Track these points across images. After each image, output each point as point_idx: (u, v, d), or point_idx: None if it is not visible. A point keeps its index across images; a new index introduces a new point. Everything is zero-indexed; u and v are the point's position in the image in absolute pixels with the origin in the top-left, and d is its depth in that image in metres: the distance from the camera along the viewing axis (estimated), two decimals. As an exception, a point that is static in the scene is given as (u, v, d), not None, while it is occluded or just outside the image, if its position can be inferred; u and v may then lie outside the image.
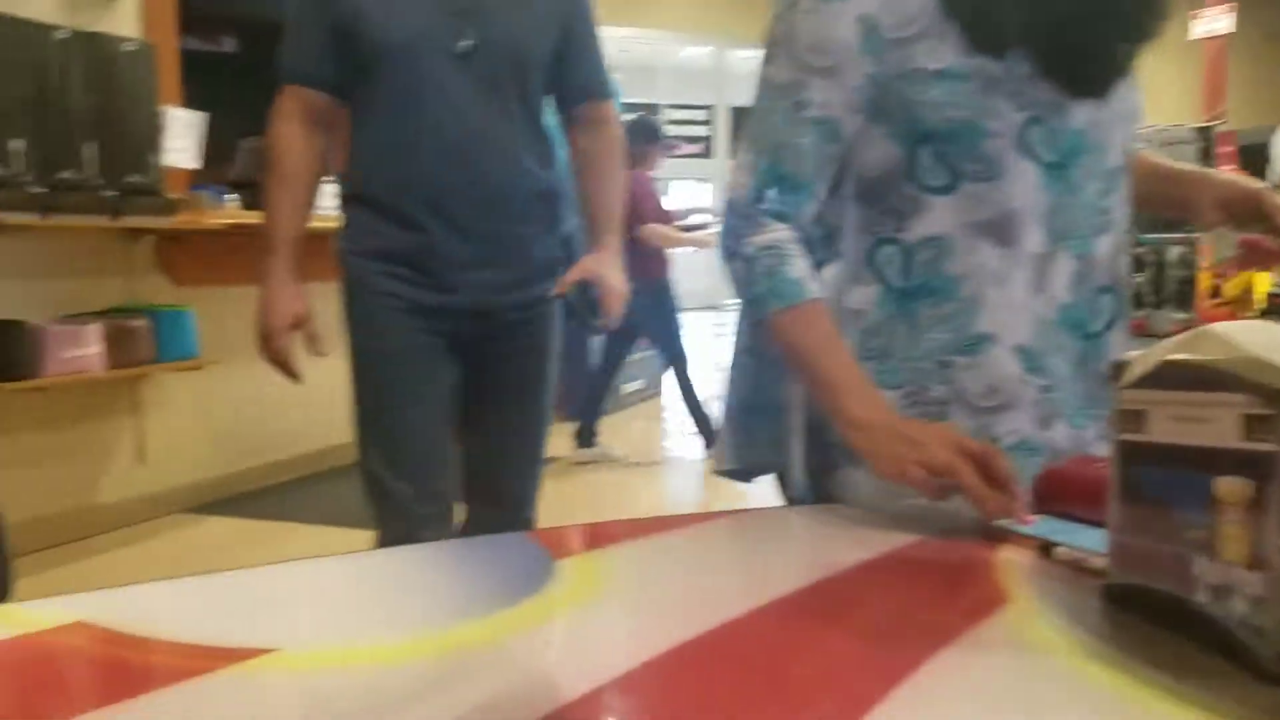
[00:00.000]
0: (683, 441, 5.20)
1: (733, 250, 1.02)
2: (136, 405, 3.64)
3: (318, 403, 4.41)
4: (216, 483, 3.95)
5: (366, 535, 1.72)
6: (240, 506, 3.90)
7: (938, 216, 1.00)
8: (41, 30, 3.06)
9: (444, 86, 1.60)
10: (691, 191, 12.53)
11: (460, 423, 1.78)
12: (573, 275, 1.69)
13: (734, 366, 1.16)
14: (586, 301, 1.68)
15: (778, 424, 1.12)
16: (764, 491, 1.20)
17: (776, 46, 1.01)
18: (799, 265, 1.00)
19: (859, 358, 1.01)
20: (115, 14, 3.41)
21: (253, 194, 4.58)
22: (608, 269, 1.70)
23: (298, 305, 1.68)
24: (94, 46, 3.21)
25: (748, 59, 11.45)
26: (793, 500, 1.11)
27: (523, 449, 1.80)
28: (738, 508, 1.02)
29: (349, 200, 1.71)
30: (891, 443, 0.91)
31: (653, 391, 6.57)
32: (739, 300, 1.06)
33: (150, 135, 3.41)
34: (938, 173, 0.99)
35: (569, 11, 1.72)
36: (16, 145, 2.99)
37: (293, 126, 1.67)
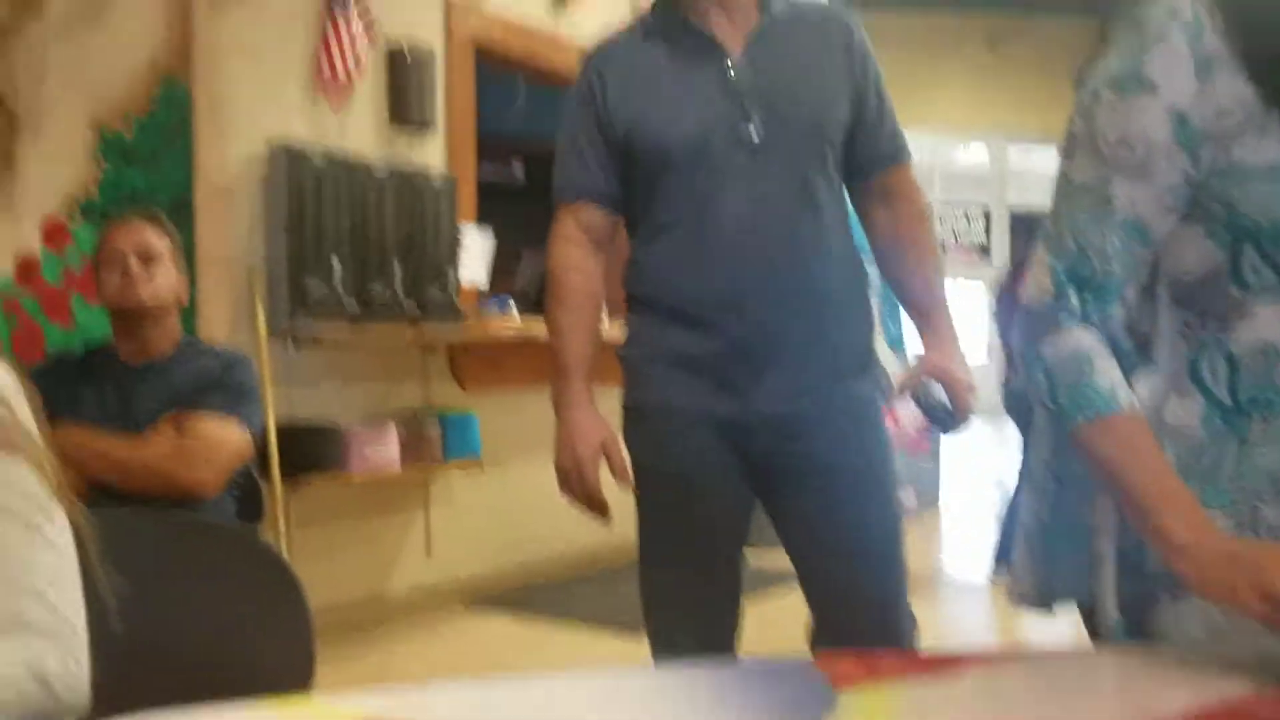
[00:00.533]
0: (966, 559, 4.91)
1: (1031, 357, 0.95)
2: (425, 501, 3.90)
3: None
4: (495, 577, 4.13)
5: (639, 643, 1.65)
6: (517, 602, 4.05)
7: (1266, 321, 0.90)
8: (364, 167, 3.44)
9: (737, 180, 1.50)
10: (964, 292, 12.11)
11: (790, 551, 1.59)
12: (916, 373, 1.51)
13: (1030, 483, 1.08)
14: (935, 402, 1.48)
15: (1084, 549, 1.02)
16: (1066, 624, 1.09)
17: (1077, 142, 0.95)
18: (1108, 373, 0.92)
19: (1180, 478, 0.90)
20: (425, 150, 3.78)
21: (532, 304, 4.89)
22: (952, 361, 1.50)
23: (602, 432, 1.56)
24: (406, 179, 3.58)
25: (1027, 156, 11.06)
26: (1102, 637, 1.00)
27: (872, 566, 1.55)
28: (1036, 643, 0.93)
29: (634, 306, 1.61)
30: (1222, 567, 0.80)
31: (929, 502, 6.28)
32: (1037, 410, 0.99)
33: (448, 255, 3.73)
34: (1265, 274, 0.89)
35: (860, 77, 1.59)
36: (337, 267, 3.35)
37: (573, 247, 1.60)
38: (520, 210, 6.04)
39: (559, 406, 1.60)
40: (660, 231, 1.55)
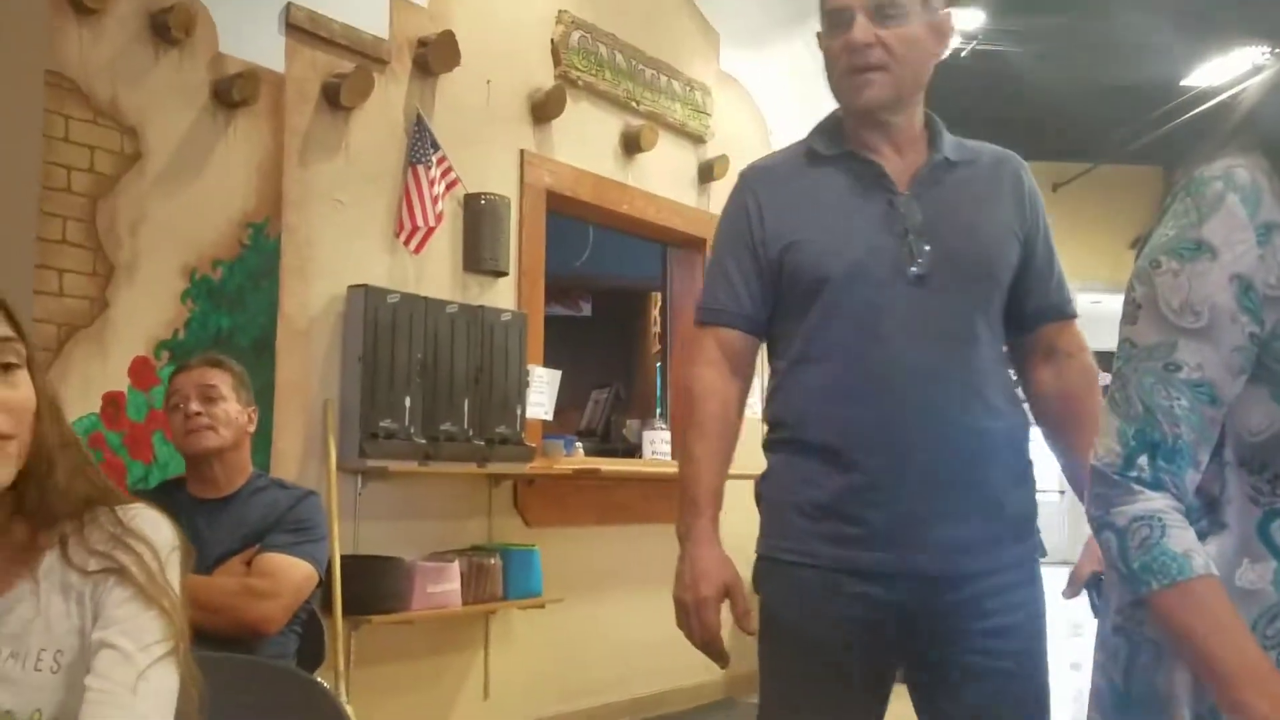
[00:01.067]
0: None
1: (1102, 520, 0.93)
2: (485, 640, 3.85)
3: (656, 645, 4.47)
4: (553, 721, 4.03)
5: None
6: (573, 748, 3.94)
7: None
8: (438, 305, 3.55)
9: (897, 315, 1.42)
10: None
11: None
12: (1089, 565, 1.39)
13: (1102, 649, 1.03)
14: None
15: (1158, 716, 0.97)
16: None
17: (1139, 308, 0.95)
18: (1182, 537, 0.89)
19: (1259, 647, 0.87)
20: (497, 290, 3.90)
21: (597, 440, 4.92)
22: None
23: (726, 574, 1.47)
24: (477, 317, 3.67)
25: (1097, 305, 10.95)
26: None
27: None
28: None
29: (776, 439, 1.52)
30: None
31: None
32: (1109, 574, 0.96)
33: (516, 391, 3.79)
34: None
35: (1031, 221, 1.53)
36: (409, 402, 3.42)
37: (714, 372, 1.51)
38: (587, 346, 6.18)
39: (685, 539, 1.50)
40: (810, 361, 1.47)
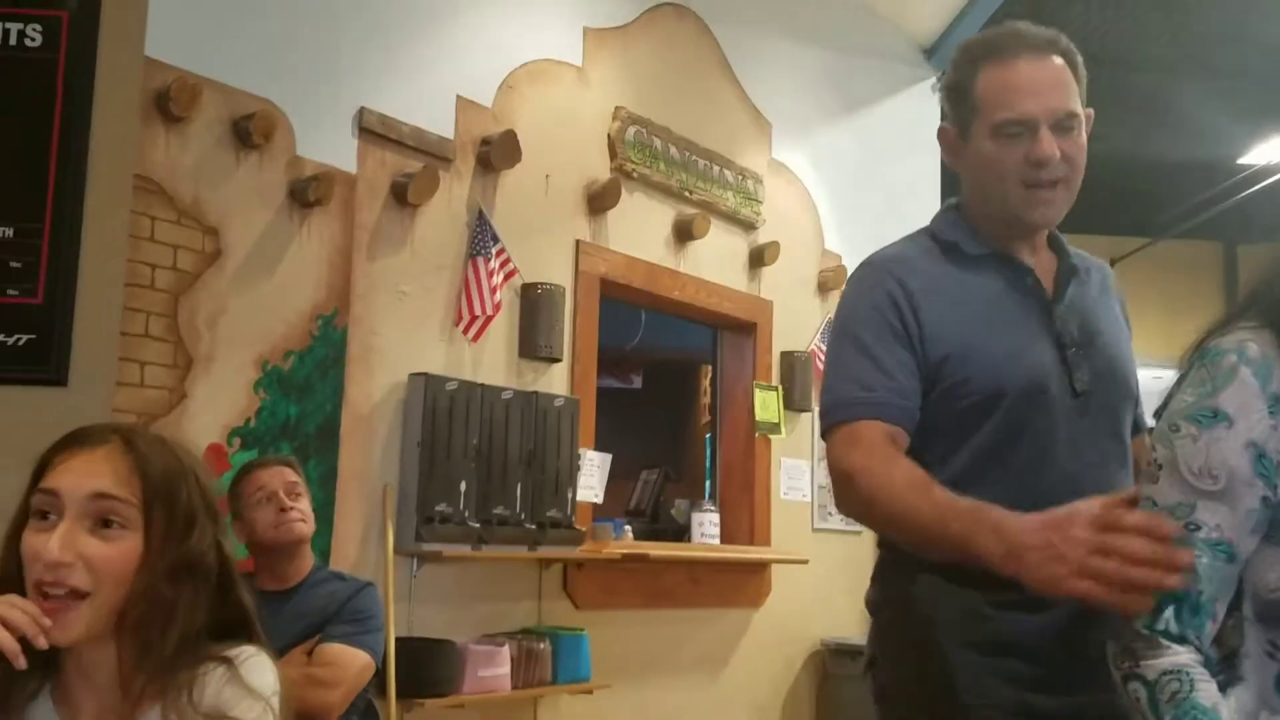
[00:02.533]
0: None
1: (1129, 672, 1.00)
2: (534, 723, 3.90)
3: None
4: (597, 808, 4.05)
5: None
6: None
7: None
8: (493, 391, 3.68)
9: (1063, 436, 1.34)
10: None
11: None
12: None
13: None
14: None
15: None
16: None
17: (1159, 469, 1.03)
18: (1209, 692, 0.95)
19: None
20: (551, 375, 4.02)
21: (646, 522, 4.99)
22: None
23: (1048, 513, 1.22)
24: (531, 403, 3.79)
25: (1156, 380, 10.80)
26: None
27: None
28: None
29: (924, 565, 1.35)
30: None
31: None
32: None
33: (568, 474, 3.88)
34: None
35: (1129, 332, 1.53)
36: (464, 487, 3.54)
37: (876, 449, 1.34)
38: (638, 419, 6.27)
39: (1004, 547, 1.17)
40: (979, 481, 1.31)
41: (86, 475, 1.06)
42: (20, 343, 2.83)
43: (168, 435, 1.18)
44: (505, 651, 3.60)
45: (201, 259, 3.02)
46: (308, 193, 3.23)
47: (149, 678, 1.06)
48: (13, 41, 3.09)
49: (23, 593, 1.03)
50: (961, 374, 1.38)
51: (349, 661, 2.30)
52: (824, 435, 1.44)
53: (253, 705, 1.08)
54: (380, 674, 2.91)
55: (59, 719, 1.08)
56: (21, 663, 1.00)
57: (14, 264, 2.86)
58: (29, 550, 1.04)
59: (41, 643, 1.00)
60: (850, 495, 1.35)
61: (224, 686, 1.08)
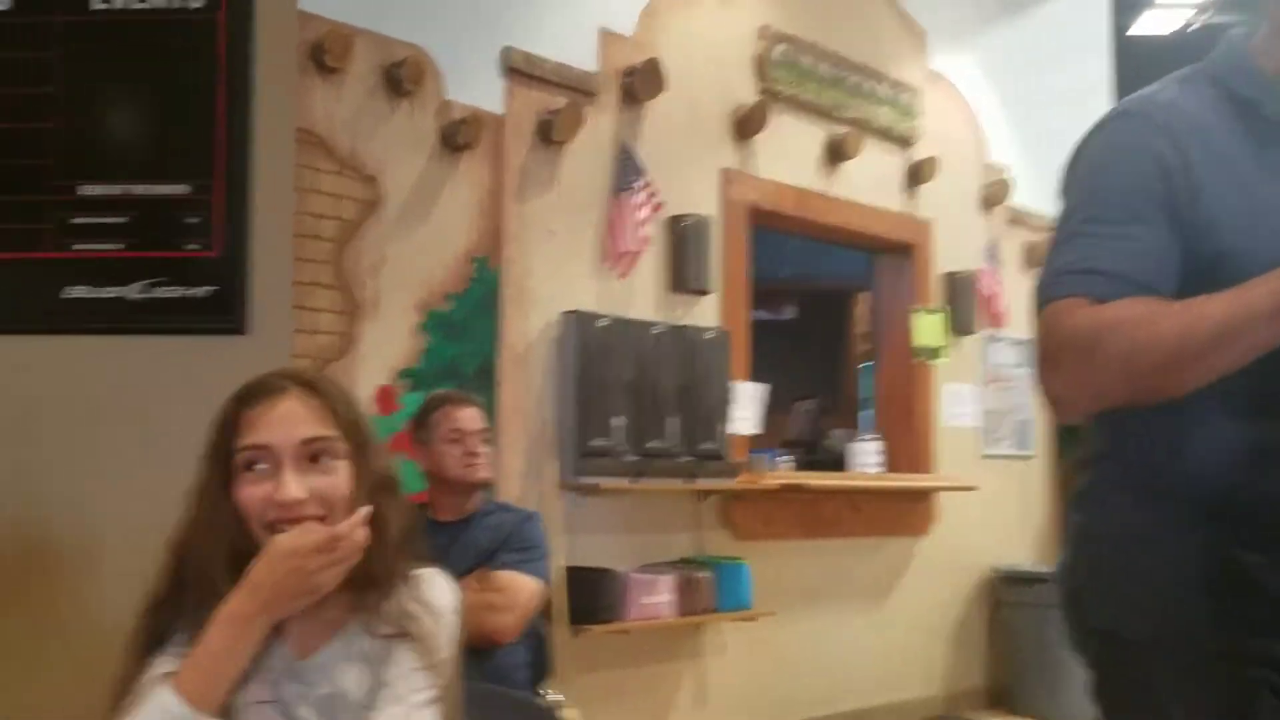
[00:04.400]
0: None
1: None
2: (698, 651, 4.04)
3: (870, 659, 4.55)
4: (764, 733, 4.18)
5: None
6: (784, 760, 4.07)
7: None
8: (643, 327, 3.77)
9: None
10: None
11: None
12: None
13: None
14: None
15: None
16: None
17: None
18: None
19: None
20: (701, 308, 4.07)
21: (803, 453, 5.02)
22: None
23: None
24: (682, 336, 3.86)
25: None
26: None
27: None
28: None
29: (1163, 517, 1.15)
30: None
31: None
32: None
33: (721, 407, 3.95)
34: None
35: None
36: (617, 422, 3.66)
37: (1113, 307, 1.08)
38: (791, 351, 6.27)
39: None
40: (1255, 413, 1.11)
41: (290, 423, 1.16)
42: (201, 295, 3.07)
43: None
44: (667, 580, 3.72)
45: (362, 208, 3.19)
46: (457, 137, 3.35)
47: (353, 592, 1.18)
48: (175, 4, 3.29)
49: (242, 544, 1.15)
50: (1239, 276, 1.05)
51: (520, 587, 2.45)
52: (1040, 311, 1.14)
53: (431, 620, 1.18)
54: (549, 600, 3.09)
55: (276, 636, 1.20)
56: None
57: (190, 219, 3.09)
58: (256, 499, 1.15)
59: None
60: (1097, 361, 1.07)
61: (407, 600, 1.19)
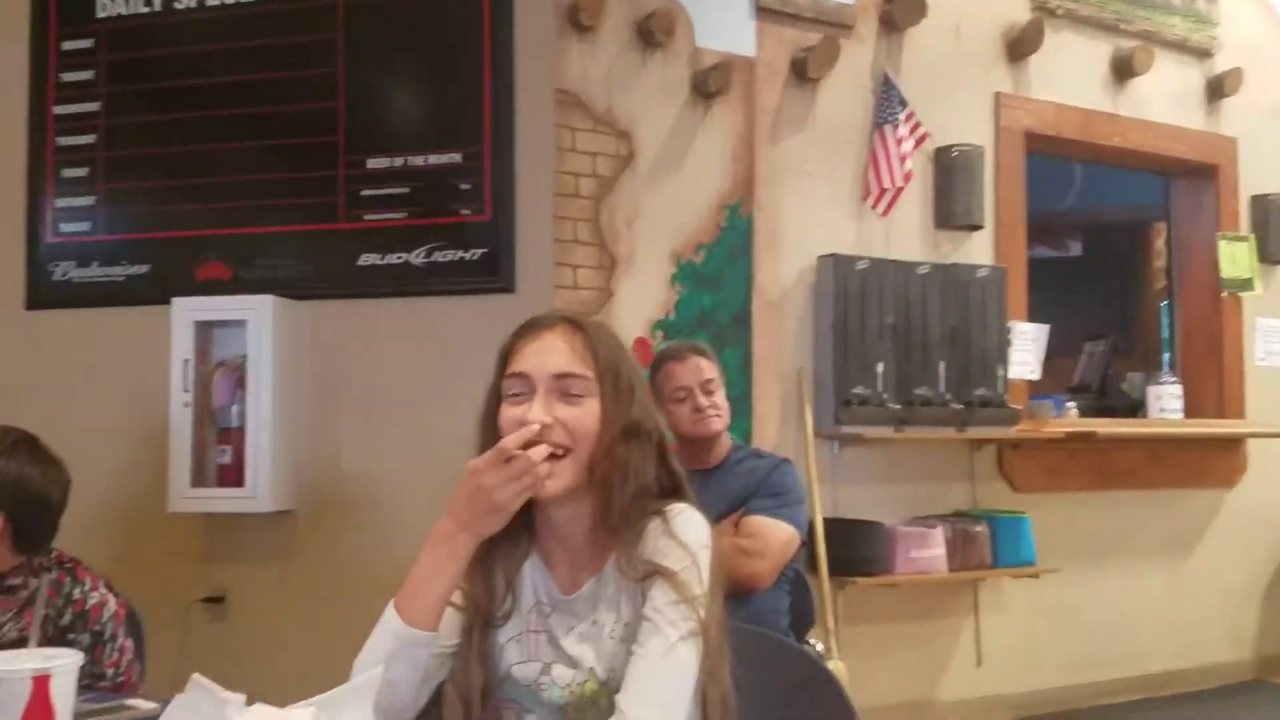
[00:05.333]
0: None
1: None
2: (975, 608, 3.90)
3: (1170, 619, 4.23)
4: (1050, 695, 3.99)
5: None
6: (1071, 724, 3.88)
7: None
8: (907, 267, 3.64)
9: None
10: None
11: None
12: None
13: None
14: None
15: None
16: None
17: None
18: None
19: None
20: (971, 245, 3.88)
21: (1093, 398, 4.69)
22: None
23: None
24: (950, 276, 3.70)
25: None
26: None
27: None
28: None
29: None
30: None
31: None
32: None
33: (997, 350, 3.76)
34: None
35: None
36: (881, 368, 3.57)
37: None
38: (1077, 291, 5.85)
39: None
40: None
41: (548, 355, 1.24)
42: (476, 257, 3.28)
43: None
44: (938, 533, 3.63)
45: (617, 163, 3.28)
46: (709, 83, 3.36)
47: (609, 531, 1.26)
48: (439, -24, 3.44)
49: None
50: None
51: (773, 533, 2.46)
52: None
53: (682, 556, 1.23)
54: (808, 549, 3.08)
55: (546, 573, 1.31)
56: (544, 472, 1.20)
57: (464, 186, 3.31)
58: (510, 420, 1.24)
59: (543, 488, 1.21)
60: None
61: (659, 538, 1.24)
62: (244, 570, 3.21)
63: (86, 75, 3.46)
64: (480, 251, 3.27)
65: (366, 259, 3.26)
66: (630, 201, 3.29)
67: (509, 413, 1.24)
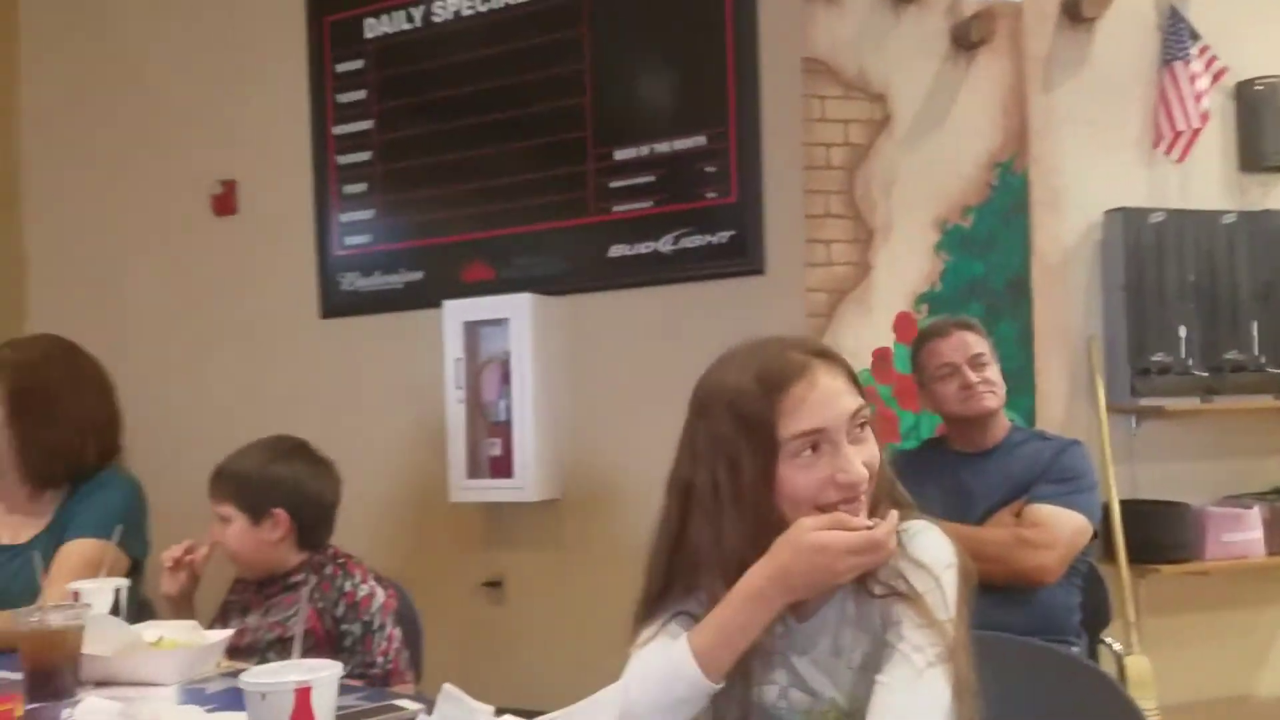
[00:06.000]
0: None
1: None
2: (1299, 596, 3.48)
3: None
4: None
5: None
6: None
7: None
8: (1210, 217, 3.27)
9: None
10: None
11: None
12: None
13: None
14: None
15: None
16: None
17: None
18: None
19: None
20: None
21: None
22: None
23: None
24: (1263, 225, 3.30)
25: None
26: None
27: None
28: None
29: None
30: None
31: None
32: None
33: (1321, 306, 3.31)
34: None
35: None
36: (1183, 332, 3.22)
37: None
38: None
39: None
40: None
41: (835, 399, 1.15)
42: (723, 240, 3.24)
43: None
44: (1254, 514, 3.28)
45: (871, 128, 3.13)
46: (970, 33, 3.14)
47: None
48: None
49: (772, 526, 1.15)
50: None
51: (1061, 523, 2.27)
52: None
53: (924, 578, 1.15)
54: (1101, 537, 2.83)
55: None
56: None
57: (709, 169, 3.28)
58: (814, 483, 1.14)
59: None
60: None
61: (897, 559, 1.16)
62: (518, 556, 3.35)
63: (359, 95, 3.71)
64: (728, 234, 3.23)
65: (616, 250, 3.30)
66: (887, 167, 3.14)
67: (809, 477, 1.14)
